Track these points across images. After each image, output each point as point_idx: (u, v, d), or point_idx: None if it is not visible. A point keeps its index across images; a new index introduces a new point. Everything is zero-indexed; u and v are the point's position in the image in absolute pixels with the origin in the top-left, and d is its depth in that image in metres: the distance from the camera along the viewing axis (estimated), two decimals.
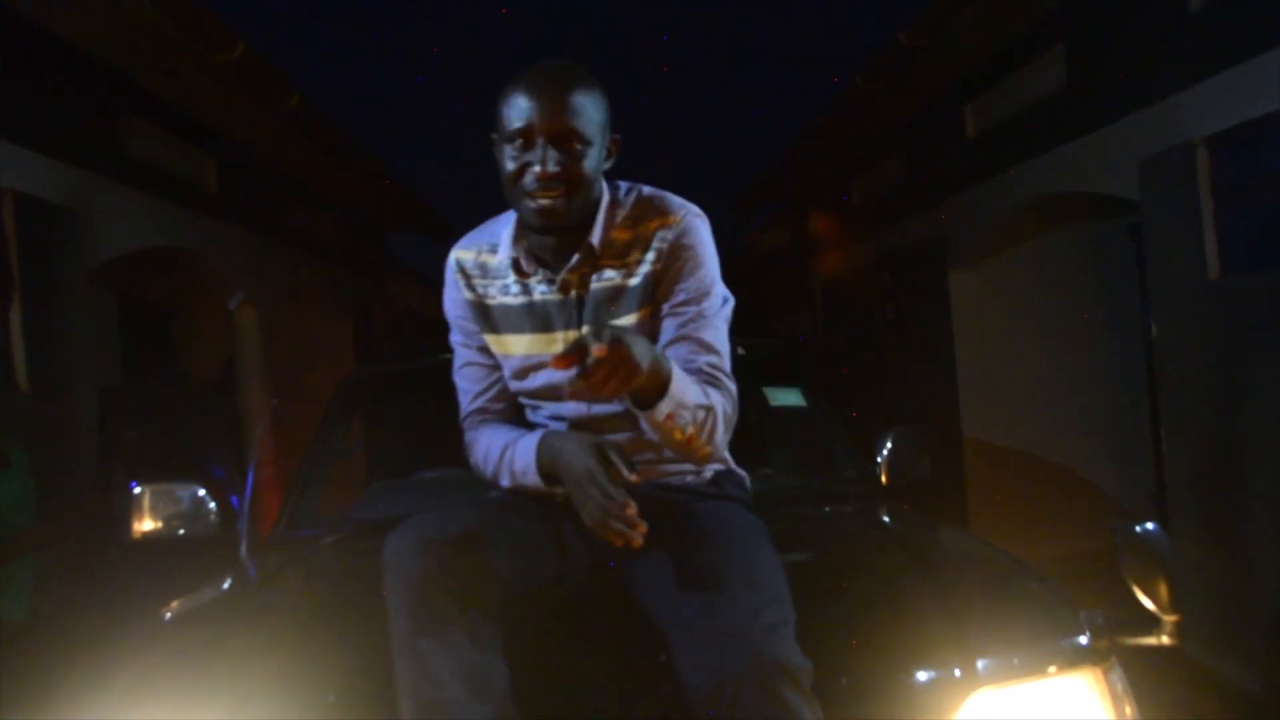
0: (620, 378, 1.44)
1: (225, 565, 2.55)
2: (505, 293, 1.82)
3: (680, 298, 1.75)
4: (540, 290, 1.79)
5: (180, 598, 2.29)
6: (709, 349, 1.74)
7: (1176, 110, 4.25)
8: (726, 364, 1.77)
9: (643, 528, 1.56)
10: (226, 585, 2.37)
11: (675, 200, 1.79)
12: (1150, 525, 1.68)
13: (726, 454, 1.91)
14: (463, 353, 1.93)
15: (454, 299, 1.90)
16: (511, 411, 1.92)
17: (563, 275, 1.76)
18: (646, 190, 1.81)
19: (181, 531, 2.77)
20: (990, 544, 2.29)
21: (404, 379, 3.16)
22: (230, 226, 6.42)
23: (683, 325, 1.74)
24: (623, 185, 1.82)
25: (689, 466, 1.86)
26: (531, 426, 1.87)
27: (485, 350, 1.89)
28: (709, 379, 1.71)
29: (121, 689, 1.73)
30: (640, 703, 1.58)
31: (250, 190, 6.92)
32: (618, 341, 1.42)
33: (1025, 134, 5.67)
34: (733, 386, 1.75)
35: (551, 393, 1.82)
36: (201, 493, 2.75)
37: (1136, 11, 4.62)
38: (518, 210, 1.74)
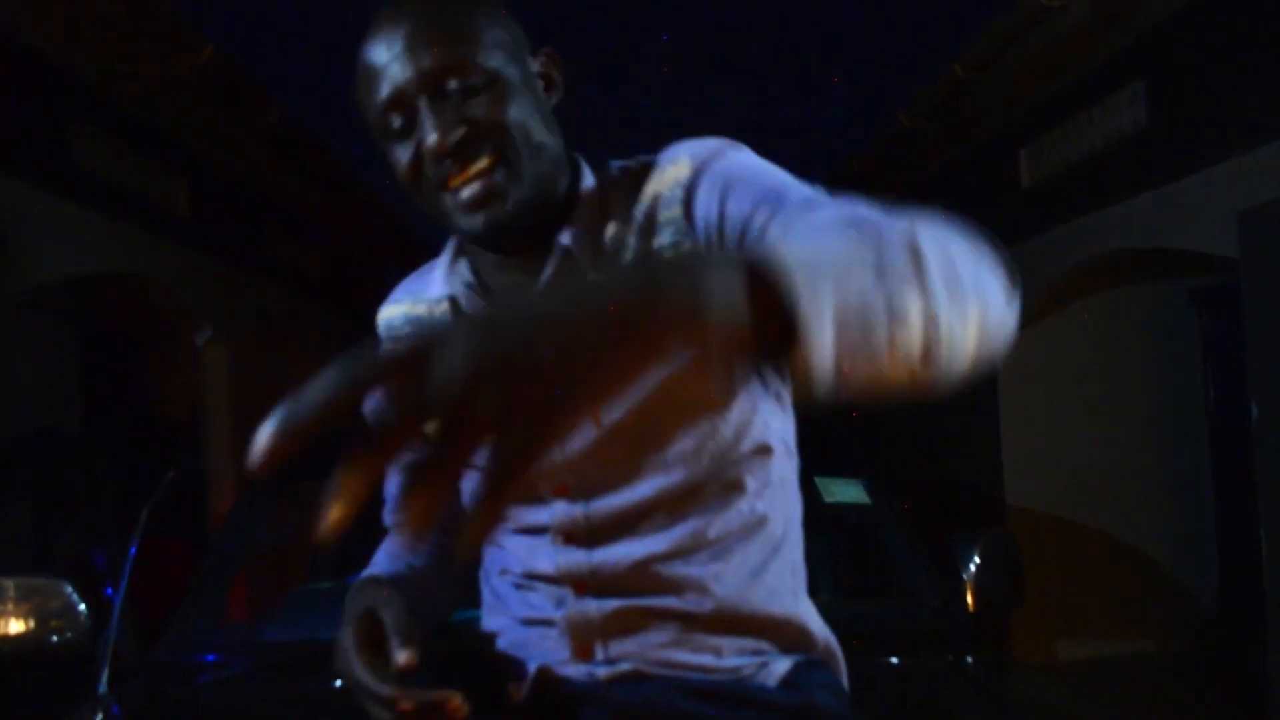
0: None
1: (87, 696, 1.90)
2: None
3: (741, 217, 0.98)
4: None
5: None
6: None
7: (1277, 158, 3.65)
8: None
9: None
10: None
11: (689, 142, 1.07)
12: None
13: (812, 620, 1.14)
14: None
15: None
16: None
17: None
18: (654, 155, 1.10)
19: (54, 639, 2.12)
20: None
21: None
22: (199, 254, 5.79)
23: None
24: (616, 162, 1.13)
25: (746, 647, 1.09)
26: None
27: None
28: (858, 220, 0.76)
29: None
30: None
31: (225, 215, 6.32)
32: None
33: (1091, 182, 5.05)
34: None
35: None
36: (68, 589, 2.09)
37: (1230, 45, 4.03)
38: (447, 222, 1.07)
